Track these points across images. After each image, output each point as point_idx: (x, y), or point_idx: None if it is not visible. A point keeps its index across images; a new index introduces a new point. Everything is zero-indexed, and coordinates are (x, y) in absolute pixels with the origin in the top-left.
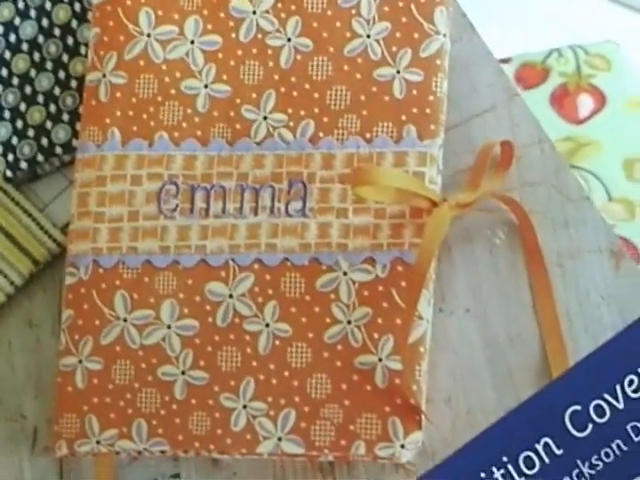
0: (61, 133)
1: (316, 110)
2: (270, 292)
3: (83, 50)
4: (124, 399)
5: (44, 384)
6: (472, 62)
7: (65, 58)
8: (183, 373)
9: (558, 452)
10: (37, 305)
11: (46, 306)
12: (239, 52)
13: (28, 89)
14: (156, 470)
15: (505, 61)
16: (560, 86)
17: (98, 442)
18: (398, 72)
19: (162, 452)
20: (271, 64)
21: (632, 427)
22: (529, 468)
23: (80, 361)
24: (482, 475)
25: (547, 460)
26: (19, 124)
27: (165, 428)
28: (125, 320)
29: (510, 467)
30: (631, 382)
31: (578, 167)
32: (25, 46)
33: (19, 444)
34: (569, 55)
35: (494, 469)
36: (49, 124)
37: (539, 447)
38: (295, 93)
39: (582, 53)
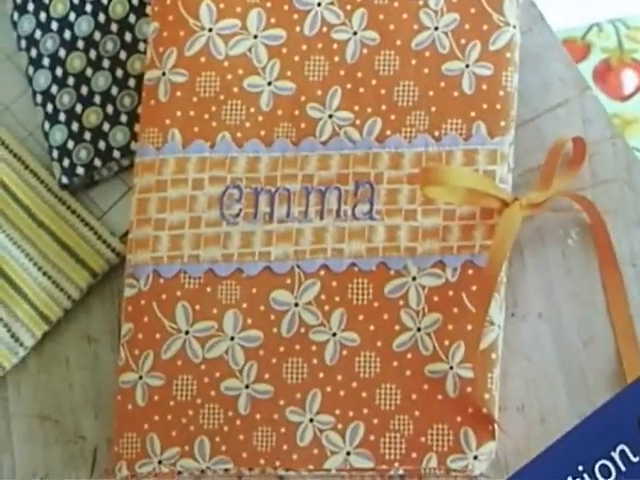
0: (119, 135)
1: (383, 107)
2: (337, 299)
3: (142, 47)
4: (186, 416)
5: (103, 402)
6: (542, 55)
7: (123, 55)
8: (247, 387)
9: (634, 459)
10: (95, 319)
11: (104, 320)
12: (304, 47)
13: (84, 89)
14: None
15: None
16: (602, 62)
17: (160, 462)
18: (467, 66)
19: (226, 470)
20: (337, 59)
21: None
22: (605, 477)
23: (140, 377)
24: None
25: (623, 468)
26: (75, 127)
27: (229, 445)
28: (187, 333)
29: (586, 476)
30: None
31: None
32: (81, 43)
33: (78, 467)
34: (609, 29)
35: (570, 479)
36: (106, 126)
37: (615, 455)
38: (362, 89)
39: (623, 27)
